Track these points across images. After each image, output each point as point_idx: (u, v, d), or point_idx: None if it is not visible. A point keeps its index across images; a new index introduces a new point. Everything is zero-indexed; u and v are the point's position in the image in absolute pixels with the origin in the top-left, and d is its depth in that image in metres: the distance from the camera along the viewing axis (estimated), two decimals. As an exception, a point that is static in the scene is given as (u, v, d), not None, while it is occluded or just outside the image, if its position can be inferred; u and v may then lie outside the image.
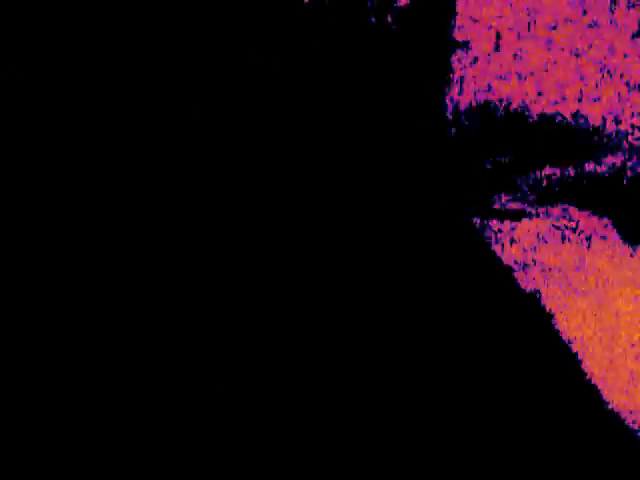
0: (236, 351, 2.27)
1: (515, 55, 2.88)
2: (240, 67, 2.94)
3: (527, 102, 2.91)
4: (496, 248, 2.93)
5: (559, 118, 2.92)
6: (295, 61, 2.99)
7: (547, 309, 2.68)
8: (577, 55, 2.88)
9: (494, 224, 2.94)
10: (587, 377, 2.27)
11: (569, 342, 2.48)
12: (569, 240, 2.93)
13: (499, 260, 2.84)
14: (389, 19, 3.00)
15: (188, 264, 2.61)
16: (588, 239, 2.94)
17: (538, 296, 2.73)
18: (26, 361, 2.18)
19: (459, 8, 2.94)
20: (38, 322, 2.34)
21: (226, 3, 2.92)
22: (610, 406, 2.12)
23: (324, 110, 2.99)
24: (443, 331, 2.39)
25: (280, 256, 2.66)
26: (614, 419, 2.06)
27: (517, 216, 2.97)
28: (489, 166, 2.98)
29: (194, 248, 2.66)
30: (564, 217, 2.96)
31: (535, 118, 2.93)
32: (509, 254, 2.89)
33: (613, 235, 2.93)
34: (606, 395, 2.18)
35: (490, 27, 2.93)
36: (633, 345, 2.47)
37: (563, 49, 2.87)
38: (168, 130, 2.85)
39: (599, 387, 2.22)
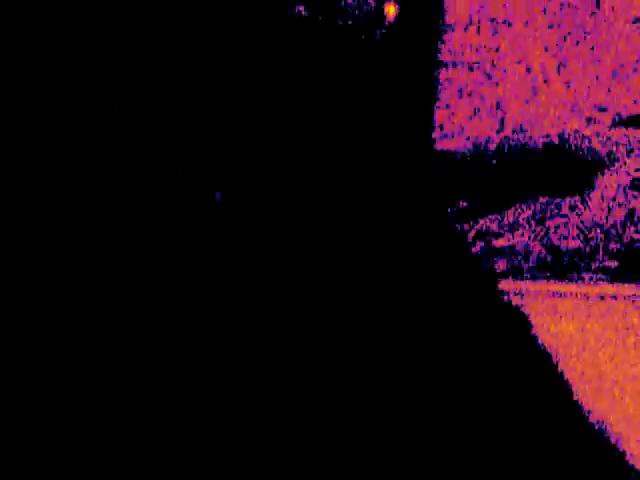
0: (235, 351, 2.26)
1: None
2: (231, 81, 2.93)
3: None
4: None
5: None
6: (283, 77, 2.97)
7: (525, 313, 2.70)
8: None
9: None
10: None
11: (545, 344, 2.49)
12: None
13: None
14: (377, 36, 2.98)
15: (186, 264, 2.60)
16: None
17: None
18: (26, 361, 2.17)
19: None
20: (38, 322, 2.33)
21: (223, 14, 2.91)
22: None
23: (313, 121, 2.98)
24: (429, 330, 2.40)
25: (274, 259, 2.65)
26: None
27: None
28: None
29: (191, 248, 2.66)
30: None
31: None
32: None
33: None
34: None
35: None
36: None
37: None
38: (162, 134, 2.84)
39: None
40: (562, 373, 2.40)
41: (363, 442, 1.93)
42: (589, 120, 2.83)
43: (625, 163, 2.91)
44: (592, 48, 2.86)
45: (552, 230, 2.92)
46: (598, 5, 2.81)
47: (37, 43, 2.75)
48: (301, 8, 2.99)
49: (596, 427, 2.09)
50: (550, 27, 2.88)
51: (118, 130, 2.80)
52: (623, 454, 1.96)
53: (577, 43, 2.87)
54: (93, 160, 2.76)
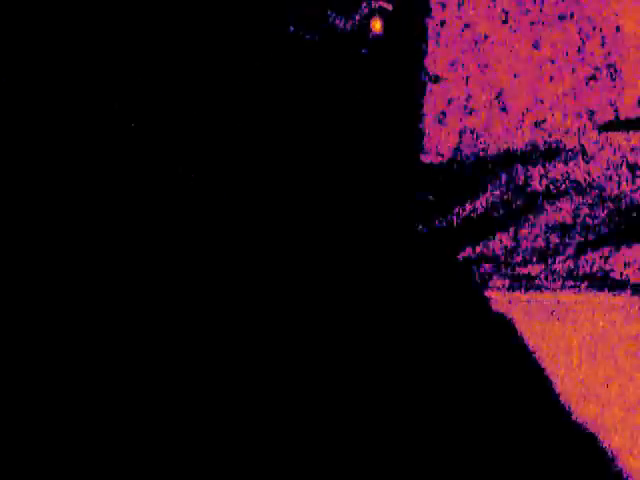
0: (233, 351, 2.29)
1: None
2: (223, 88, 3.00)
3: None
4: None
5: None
6: (273, 90, 3.05)
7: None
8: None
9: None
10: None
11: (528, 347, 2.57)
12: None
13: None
14: (364, 49, 3.07)
15: (183, 264, 2.64)
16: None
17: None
18: (25, 361, 2.19)
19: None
20: (38, 321, 2.36)
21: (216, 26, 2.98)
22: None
23: (303, 130, 3.05)
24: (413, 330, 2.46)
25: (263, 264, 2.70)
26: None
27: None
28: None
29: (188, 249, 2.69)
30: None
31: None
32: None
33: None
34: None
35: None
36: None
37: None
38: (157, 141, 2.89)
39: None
40: (546, 376, 2.46)
41: (348, 446, 1.96)
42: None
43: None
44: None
45: (525, 236, 3.02)
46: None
47: (36, 42, 2.80)
48: (290, 24, 3.08)
49: (581, 428, 2.13)
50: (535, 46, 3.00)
51: (116, 128, 2.85)
52: (609, 454, 2.00)
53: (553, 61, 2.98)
54: (92, 158, 2.80)
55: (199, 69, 2.96)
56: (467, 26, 2.98)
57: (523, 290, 2.99)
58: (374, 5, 3.06)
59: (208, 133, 2.94)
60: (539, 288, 2.99)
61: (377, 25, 3.07)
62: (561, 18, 2.98)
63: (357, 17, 3.06)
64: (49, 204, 2.73)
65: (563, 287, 2.97)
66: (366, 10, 3.06)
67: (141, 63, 2.88)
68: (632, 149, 2.97)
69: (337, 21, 3.05)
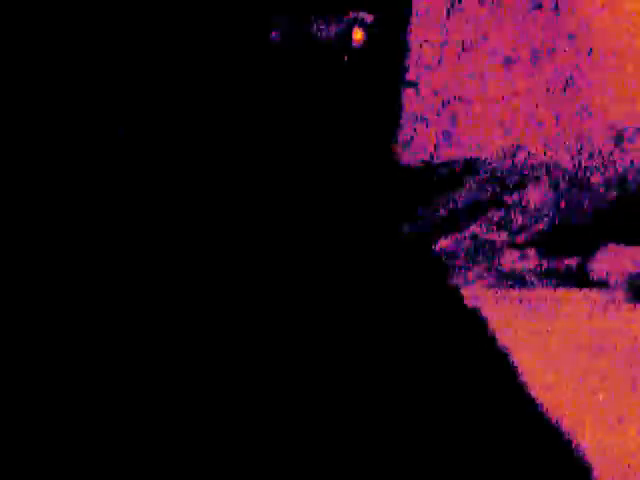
0: (232, 352, 2.36)
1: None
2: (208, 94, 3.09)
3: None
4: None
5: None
6: (257, 95, 3.14)
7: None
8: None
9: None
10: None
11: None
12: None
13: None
14: (346, 57, 3.19)
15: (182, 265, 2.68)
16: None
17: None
18: (25, 361, 2.20)
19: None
20: (37, 321, 2.38)
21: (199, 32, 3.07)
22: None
23: (286, 135, 3.15)
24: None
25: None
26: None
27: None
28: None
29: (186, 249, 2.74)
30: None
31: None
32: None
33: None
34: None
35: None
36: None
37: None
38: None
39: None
40: (516, 370, 2.54)
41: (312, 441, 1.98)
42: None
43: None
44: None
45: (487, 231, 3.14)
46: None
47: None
48: (274, 33, 3.19)
49: (548, 418, 2.19)
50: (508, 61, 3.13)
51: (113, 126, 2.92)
52: (574, 444, 2.05)
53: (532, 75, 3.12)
54: (87, 155, 2.86)
55: (185, 75, 3.06)
56: (445, 42, 3.11)
57: (498, 285, 3.11)
58: (355, 16, 3.18)
59: (188, 135, 3.04)
60: (514, 283, 3.11)
61: (358, 35, 3.18)
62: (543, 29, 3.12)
63: (339, 27, 3.17)
64: (48, 203, 2.77)
65: (534, 282, 3.09)
66: (348, 20, 3.18)
67: (130, 69, 2.97)
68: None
69: (320, 31, 3.17)
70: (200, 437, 1.96)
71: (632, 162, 3.17)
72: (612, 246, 3.22)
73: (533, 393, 2.36)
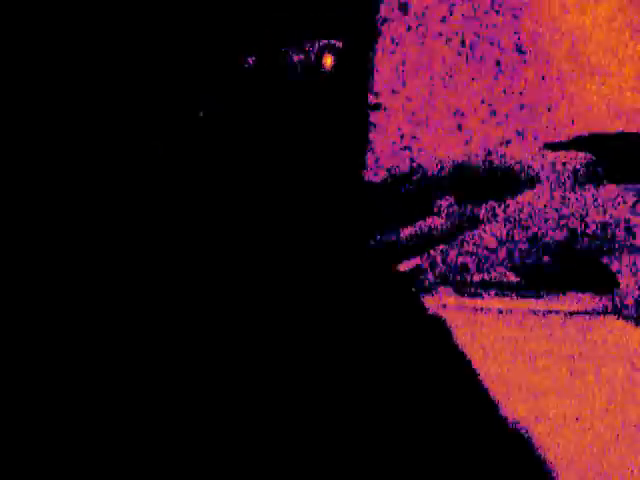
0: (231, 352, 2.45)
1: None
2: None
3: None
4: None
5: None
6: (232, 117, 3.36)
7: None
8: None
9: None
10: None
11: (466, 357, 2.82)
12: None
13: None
14: (316, 81, 3.43)
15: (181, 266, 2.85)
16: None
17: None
18: (25, 361, 2.23)
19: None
20: (37, 321, 2.43)
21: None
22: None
23: (260, 155, 3.36)
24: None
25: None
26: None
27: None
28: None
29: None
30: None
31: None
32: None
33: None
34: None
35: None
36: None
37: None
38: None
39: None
40: (479, 377, 2.67)
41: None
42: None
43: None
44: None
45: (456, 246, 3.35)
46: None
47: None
48: (250, 59, 3.43)
49: (512, 427, 2.17)
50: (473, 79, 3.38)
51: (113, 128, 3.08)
52: (538, 452, 2.13)
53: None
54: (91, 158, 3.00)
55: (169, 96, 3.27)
56: (403, 62, 3.37)
57: (461, 297, 3.31)
58: (325, 43, 3.43)
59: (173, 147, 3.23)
60: (475, 295, 3.31)
61: (328, 60, 3.43)
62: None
63: (310, 53, 3.42)
64: (50, 203, 2.89)
65: (496, 294, 3.30)
66: (318, 47, 3.43)
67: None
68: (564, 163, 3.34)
69: (292, 56, 3.41)
70: (198, 436, 1.99)
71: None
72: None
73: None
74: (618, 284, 3.39)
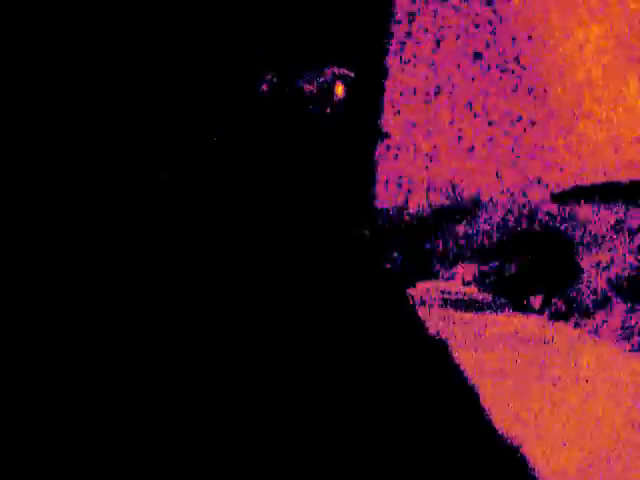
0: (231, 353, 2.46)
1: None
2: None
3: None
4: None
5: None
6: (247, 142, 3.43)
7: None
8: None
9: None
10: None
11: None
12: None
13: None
14: (328, 109, 3.51)
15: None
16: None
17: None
18: (27, 361, 2.22)
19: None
20: (40, 322, 2.42)
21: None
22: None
23: (276, 177, 3.42)
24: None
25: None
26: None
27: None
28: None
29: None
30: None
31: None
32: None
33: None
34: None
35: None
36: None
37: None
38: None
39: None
40: (475, 391, 2.71)
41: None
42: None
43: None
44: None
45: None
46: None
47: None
48: (264, 87, 3.52)
49: (509, 444, 2.22)
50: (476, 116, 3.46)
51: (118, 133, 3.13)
52: (534, 471, 2.09)
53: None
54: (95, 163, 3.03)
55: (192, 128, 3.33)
56: (414, 92, 3.45)
57: (456, 311, 3.36)
58: (337, 72, 3.52)
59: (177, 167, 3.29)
60: (470, 309, 3.36)
61: (339, 89, 3.52)
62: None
63: (322, 81, 3.51)
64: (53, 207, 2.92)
65: (489, 309, 3.35)
66: (330, 76, 3.52)
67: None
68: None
69: (304, 86, 3.50)
70: (197, 435, 2.01)
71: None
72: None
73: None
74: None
